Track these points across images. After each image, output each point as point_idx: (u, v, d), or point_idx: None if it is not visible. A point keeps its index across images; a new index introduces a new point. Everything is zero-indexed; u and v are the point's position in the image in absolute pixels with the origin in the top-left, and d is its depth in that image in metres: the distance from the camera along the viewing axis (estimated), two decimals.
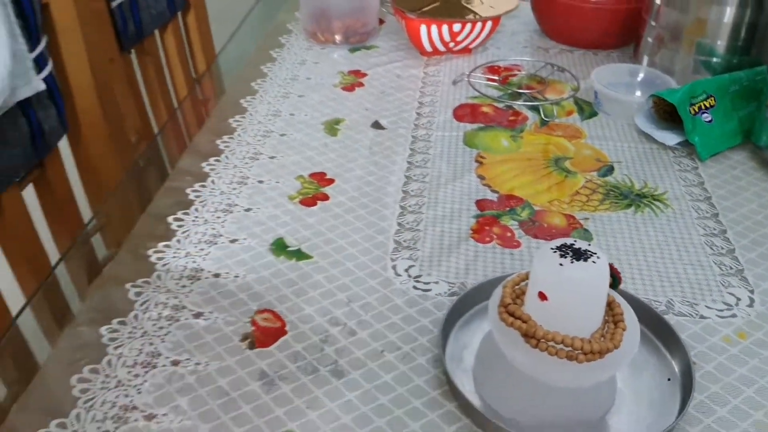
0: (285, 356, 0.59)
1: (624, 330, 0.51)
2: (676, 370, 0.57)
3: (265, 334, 0.61)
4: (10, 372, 0.60)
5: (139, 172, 0.87)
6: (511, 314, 0.51)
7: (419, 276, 0.67)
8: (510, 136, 0.89)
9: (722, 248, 0.70)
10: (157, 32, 1.17)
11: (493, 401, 0.54)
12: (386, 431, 0.53)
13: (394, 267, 0.68)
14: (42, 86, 0.76)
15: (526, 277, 0.54)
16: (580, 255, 0.49)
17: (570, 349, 0.49)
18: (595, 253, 0.49)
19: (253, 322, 0.62)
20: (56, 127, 0.81)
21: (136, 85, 1.10)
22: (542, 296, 0.49)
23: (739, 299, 0.64)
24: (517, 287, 0.54)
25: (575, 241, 0.51)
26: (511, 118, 0.93)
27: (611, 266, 0.51)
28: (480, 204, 0.77)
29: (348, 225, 0.73)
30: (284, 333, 0.61)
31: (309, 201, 0.77)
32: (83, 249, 0.73)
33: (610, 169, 0.83)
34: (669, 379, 0.57)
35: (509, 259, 0.69)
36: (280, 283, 0.66)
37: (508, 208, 0.76)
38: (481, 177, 0.81)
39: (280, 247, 0.70)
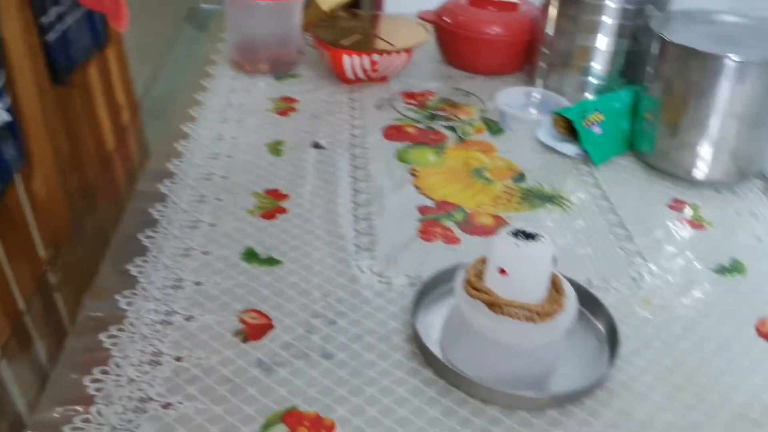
0: (277, 346, 0.67)
1: (566, 296, 0.63)
2: (603, 331, 0.70)
3: (255, 329, 0.68)
4: (23, 377, 0.64)
5: (98, 196, 0.91)
6: (477, 289, 0.62)
7: (381, 272, 0.77)
8: (435, 152, 1.01)
9: (623, 235, 0.85)
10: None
11: (461, 365, 0.65)
12: (379, 398, 0.62)
13: (357, 266, 0.77)
14: (7, 117, 0.79)
15: (483, 261, 0.66)
16: (530, 237, 0.61)
17: (528, 312, 0.60)
18: (542, 235, 0.61)
19: (242, 320, 0.69)
20: (16, 157, 0.84)
21: (67, 116, 1.13)
22: (503, 272, 0.61)
23: (641, 274, 0.79)
24: (476, 269, 0.65)
25: (525, 226, 0.62)
26: (432, 136, 1.05)
27: None
28: (421, 210, 0.88)
29: (309, 233, 0.82)
30: (271, 327, 0.69)
31: (269, 214, 0.85)
32: (64, 267, 0.78)
33: (522, 177, 0.96)
34: (598, 340, 0.70)
35: (453, 254, 0.80)
36: (258, 286, 0.74)
37: (444, 212, 0.87)
38: (417, 187, 0.92)
39: (251, 255, 0.78)
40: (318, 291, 0.73)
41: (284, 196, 0.88)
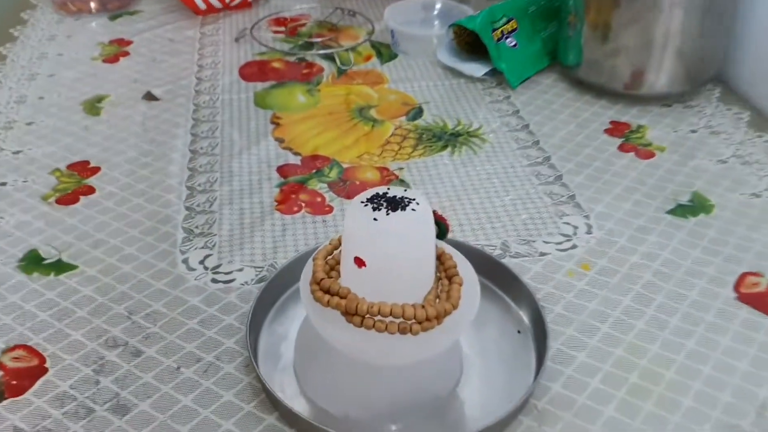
0: (47, 402, 0.45)
1: (461, 285, 0.42)
2: (525, 319, 0.50)
3: (18, 377, 0.46)
4: None
5: None
6: (327, 291, 0.41)
7: (218, 266, 0.55)
8: (306, 91, 0.78)
9: (549, 176, 0.65)
10: None
11: (321, 399, 0.44)
12: None
13: (185, 260, 0.55)
14: None
15: (339, 243, 0.44)
16: (396, 204, 0.39)
17: (401, 320, 0.39)
18: (413, 199, 0.40)
19: (1, 366, 0.47)
20: None
21: None
22: (359, 262, 0.39)
23: (576, 227, 0.58)
24: (330, 257, 0.43)
25: (388, 189, 0.41)
26: (305, 71, 0.82)
27: (435, 213, 0.41)
28: (282, 170, 0.65)
29: (122, 219, 0.59)
30: (44, 371, 0.47)
31: (68, 198, 0.62)
32: None
33: (419, 112, 0.75)
34: (519, 332, 0.49)
35: (322, 228, 0.59)
36: (34, 307, 0.51)
37: (314, 170, 0.65)
38: (279, 140, 0.70)
39: (33, 261, 0.55)
40: (122, 306, 0.51)
41: (94, 171, 0.65)
